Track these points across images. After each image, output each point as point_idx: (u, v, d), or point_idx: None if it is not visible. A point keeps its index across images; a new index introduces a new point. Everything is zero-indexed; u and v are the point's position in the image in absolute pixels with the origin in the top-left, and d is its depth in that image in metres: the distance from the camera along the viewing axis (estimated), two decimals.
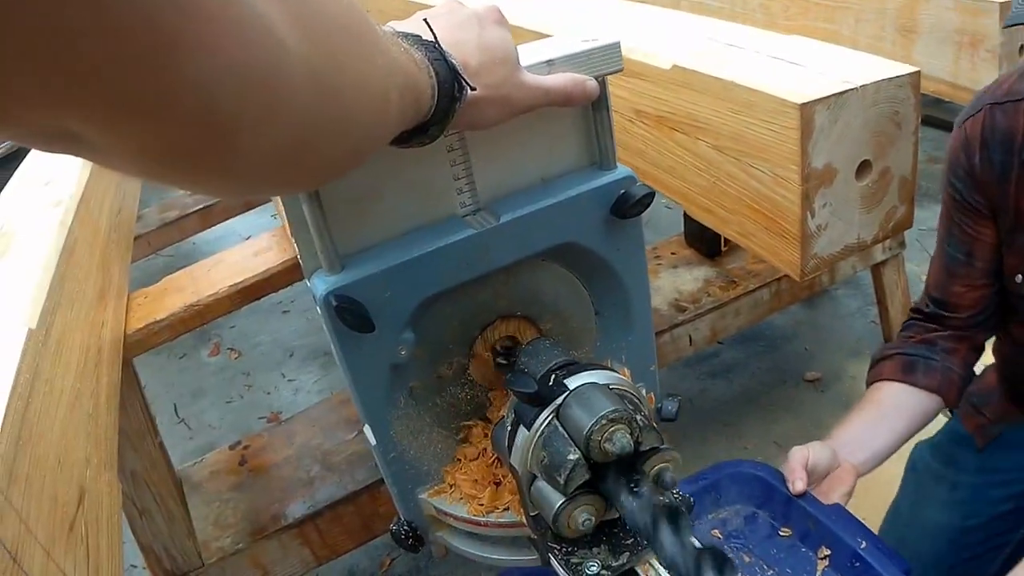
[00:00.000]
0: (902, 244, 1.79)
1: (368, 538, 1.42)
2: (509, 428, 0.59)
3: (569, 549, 0.58)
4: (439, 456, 0.69)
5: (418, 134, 0.48)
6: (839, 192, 0.94)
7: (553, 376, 0.59)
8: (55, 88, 0.22)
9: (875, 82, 0.90)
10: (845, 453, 0.92)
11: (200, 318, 1.20)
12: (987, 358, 1.05)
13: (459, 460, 0.69)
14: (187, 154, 0.27)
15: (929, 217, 2.37)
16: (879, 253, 1.76)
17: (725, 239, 1.76)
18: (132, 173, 0.30)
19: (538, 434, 0.56)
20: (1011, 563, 0.76)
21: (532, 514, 0.60)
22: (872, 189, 0.97)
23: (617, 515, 0.58)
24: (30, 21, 0.20)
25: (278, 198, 0.79)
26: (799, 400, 1.99)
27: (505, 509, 0.65)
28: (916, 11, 1.40)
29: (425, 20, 0.50)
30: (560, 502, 0.55)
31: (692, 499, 0.61)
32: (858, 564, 0.81)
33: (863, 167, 0.95)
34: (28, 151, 1.52)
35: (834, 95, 0.88)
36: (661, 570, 0.56)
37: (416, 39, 0.47)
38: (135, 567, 1.54)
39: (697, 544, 0.52)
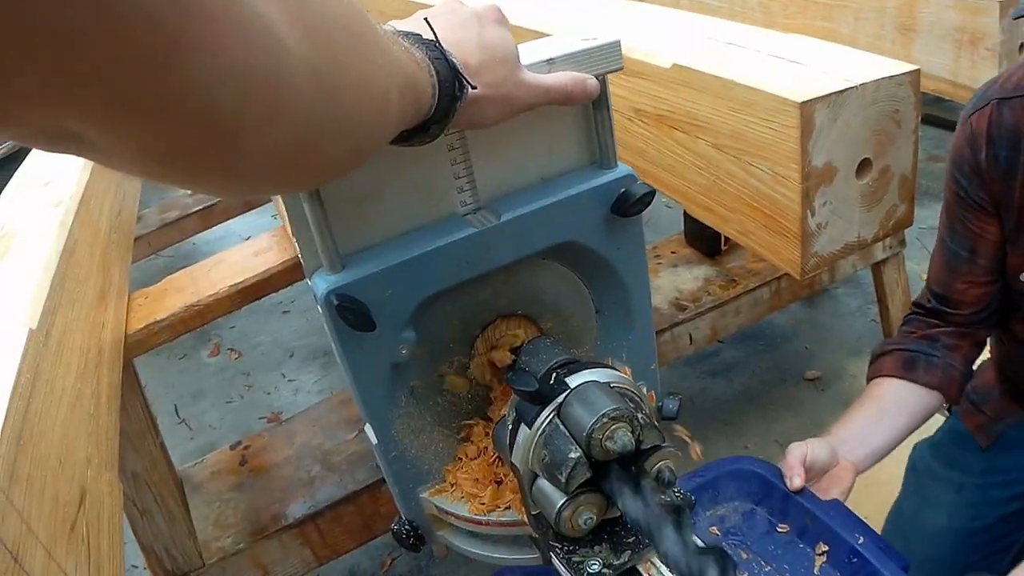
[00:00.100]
0: (902, 243, 1.79)
1: (369, 538, 1.42)
2: (510, 427, 0.59)
3: (570, 548, 0.58)
4: (440, 455, 0.69)
5: (419, 133, 0.48)
6: (839, 190, 0.94)
7: (554, 375, 0.59)
8: (56, 88, 0.22)
9: (875, 80, 0.90)
10: (844, 450, 0.92)
11: (200, 318, 1.20)
12: (983, 354, 1.05)
13: (460, 459, 0.69)
14: (189, 154, 0.27)
15: (929, 215, 2.37)
16: (879, 252, 1.76)
17: (725, 238, 1.76)
18: (134, 173, 0.30)
19: (539, 432, 0.56)
20: (1019, 562, 0.76)
21: (533, 513, 0.60)
22: (872, 187, 0.97)
23: (618, 514, 0.58)
24: (31, 21, 0.20)
25: (279, 198, 0.80)
26: (799, 399, 1.99)
27: (506, 508, 0.65)
28: (915, 9, 1.40)
29: (425, 19, 0.50)
30: (561, 501, 0.55)
31: (693, 498, 0.61)
32: (856, 560, 0.81)
33: (863, 165, 0.95)
34: (28, 152, 1.52)
35: (834, 93, 0.88)
36: (663, 569, 0.56)
37: (416, 38, 0.47)
38: (136, 567, 1.54)
39: (700, 544, 0.52)
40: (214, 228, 2.39)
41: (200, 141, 0.27)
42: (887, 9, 1.46)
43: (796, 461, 0.87)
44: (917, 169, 1.00)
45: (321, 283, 0.57)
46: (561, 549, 0.58)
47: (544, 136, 0.63)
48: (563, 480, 0.54)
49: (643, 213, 0.65)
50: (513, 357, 0.66)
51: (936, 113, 2.85)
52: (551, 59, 0.57)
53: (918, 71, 0.93)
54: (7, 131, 0.24)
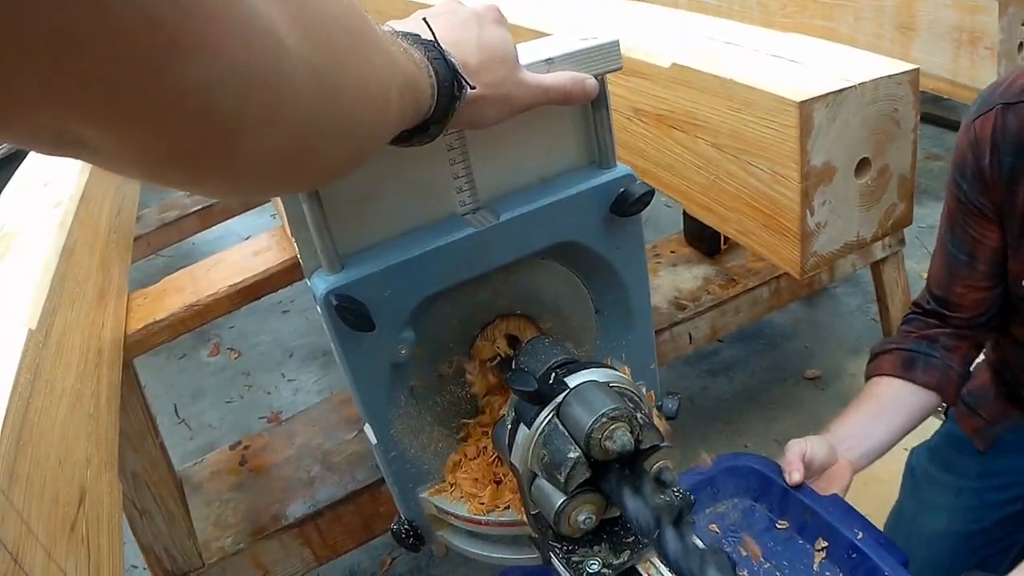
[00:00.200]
0: (902, 242, 1.79)
1: (369, 538, 1.42)
2: (509, 426, 0.59)
3: (570, 548, 0.58)
4: (440, 455, 0.69)
5: (418, 133, 0.48)
6: (838, 190, 0.94)
7: (553, 374, 0.59)
8: (56, 89, 0.22)
9: (874, 80, 0.90)
10: (843, 448, 0.92)
11: (200, 318, 1.20)
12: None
13: (460, 459, 0.69)
14: (189, 156, 0.27)
15: (928, 214, 2.37)
16: (879, 251, 1.76)
17: (725, 237, 1.77)
18: (134, 175, 0.30)
19: (538, 432, 0.56)
20: (1018, 564, 0.76)
21: (533, 513, 0.60)
22: (871, 187, 0.97)
23: (618, 513, 0.58)
24: (31, 22, 0.20)
25: (278, 198, 0.80)
26: (799, 398, 1.99)
27: (506, 508, 0.65)
28: (914, 8, 1.40)
29: (424, 19, 0.50)
30: (561, 501, 0.55)
31: (693, 497, 0.61)
32: (855, 555, 0.81)
33: (862, 165, 0.95)
34: (28, 152, 1.52)
35: (833, 93, 0.88)
36: (662, 568, 0.56)
37: (415, 38, 0.47)
38: (136, 567, 1.54)
39: (700, 544, 0.52)
40: (213, 228, 2.39)
41: (200, 142, 0.27)
42: (886, 8, 1.46)
43: (795, 457, 0.88)
44: (916, 168, 1.00)
45: (320, 283, 0.57)
46: (560, 549, 0.58)
47: (543, 136, 0.63)
48: (562, 480, 0.54)
49: (642, 212, 0.65)
50: (507, 351, 0.66)
51: (935, 112, 2.84)
52: (550, 59, 0.57)
53: (917, 70, 0.93)
54: (8, 133, 0.24)
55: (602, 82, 0.61)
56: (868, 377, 1.02)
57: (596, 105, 0.62)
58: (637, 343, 0.72)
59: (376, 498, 1.38)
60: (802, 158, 0.89)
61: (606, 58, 0.60)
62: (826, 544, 0.84)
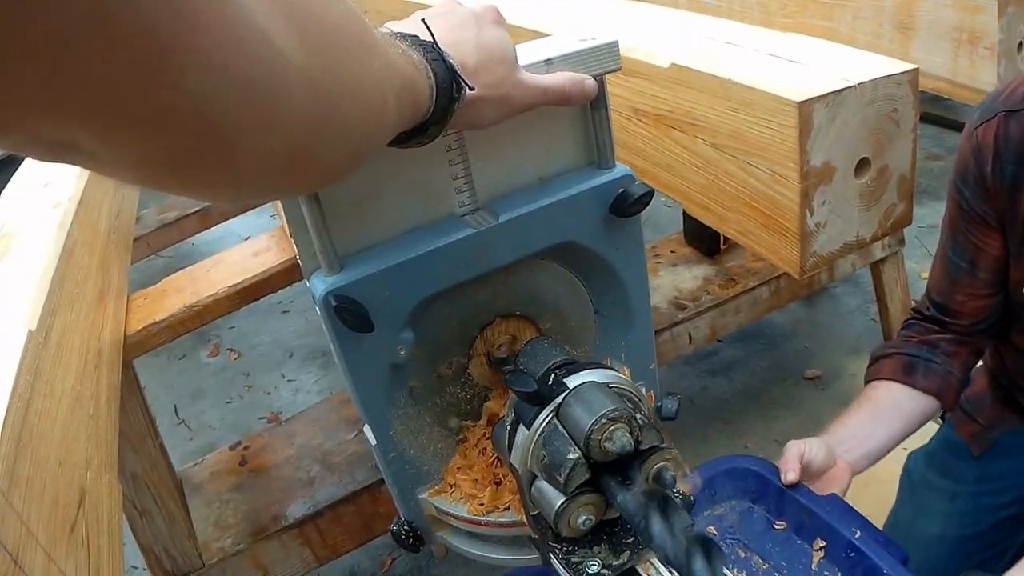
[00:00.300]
0: (901, 241, 1.79)
1: (369, 538, 1.42)
2: (509, 427, 0.59)
3: (569, 548, 0.58)
4: (439, 455, 0.69)
5: (417, 134, 0.48)
6: (838, 190, 0.94)
7: (553, 375, 0.59)
8: (56, 89, 0.22)
9: (873, 80, 0.90)
10: (841, 450, 0.92)
11: (199, 319, 1.20)
12: None
13: (459, 460, 0.69)
14: (186, 164, 0.28)
15: (928, 214, 2.37)
16: (878, 251, 1.76)
17: (724, 237, 1.76)
18: (131, 181, 0.30)
19: (538, 433, 0.56)
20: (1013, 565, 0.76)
21: (532, 513, 0.60)
22: (871, 187, 0.97)
23: (617, 514, 0.58)
24: (31, 22, 0.20)
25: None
26: (799, 398, 1.99)
27: (505, 509, 0.65)
28: (914, 8, 1.40)
29: (423, 20, 0.49)
30: (560, 501, 0.55)
31: (693, 498, 0.61)
32: (853, 554, 0.81)
33: (862, 165, 0.95)
34: None
35: (832, 93, 0.88)
36: (661, 569, 0.56)
37: (414, 39, 0.47)
38: (136, 568, 1.54)
39: (689, 522, 0.52)
40: (213, 228, 2.39)
41: (197, 150, 0.27)
42: (885, 8, 1.46)
43: (793, 457, 0.88)
44: (916, 168, 1.00)
45: (319, 284, 0.57)
46: (560, 550, 0.58)
47: (542, 136, 0.63)
48: (562, 481, 0.54)
49: (642, 212, 0.65)
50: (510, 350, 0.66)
51: (935, 112, 2.84)
52: (549, 59, 0.57)
53: (916, 70, 0.93)
54: (7, 140, 0.24)
55: (601, 83, 0.61)
56: (868, 381, 1.02)
57: (595, 106, 0.62)
58: (637, 343, 0.72)
59: (376, 498, 1.38)
60: (801, 158, 0.89)
61: (605, 59, 0.60)
62: (824, 544, 0.84)
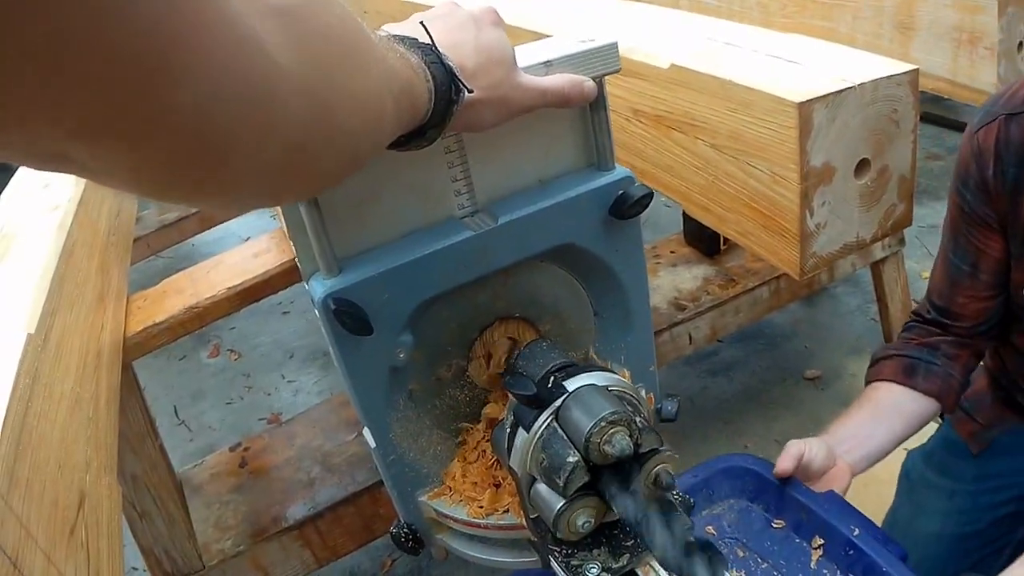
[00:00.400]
0: (901, 242, 1.79)
1: (369, 539, 1.42)
2: (508, 430, 0.59)
3: (569, 551, 0.58)
4: (438, 458, 0.69)
5: (416, 137, 0.48)
6: (838, 190, 0.94)
7: (552, 378, 0.59)
8: (56, 90, 0.22)
9: (873, 80, 0.90)
10: (841, 450, 0.92)
11: (199, 320, 1.20)
12: None
13: (458, 462, 0.69)
14: (181, 173, 0.28)
15: (928, 214, 2.37)
16: (878, 251, 1.76)
17: (724, 237, 1.76)
18: (126, 190, 0.30)
19: (537, 436, 0.56)
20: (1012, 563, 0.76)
21: (532, 516, 0.60)
22: (871, 187, 0.97)
23: (617, 517, 0.58)
24: (31, 22, 0.20)
25: None
26: (799, 398, 1.99)
27: (505, 511, 0.65)
28: (914, 8, 1.40)
29: (422, 23, 0.49)
30: (560, 504, 0.55)
31: (692, 500, 0.61)
32: (852, 552, 0.81)
33: (862, 165, 0.94)
34: None
35: (832, 93, 0.88)
36: (661, 571, 0.56)
37: (413, 42, 0.47)
38: (136, 569, 1.54)
39: (689, 537, 0.52)
40: (213, 229, 2.40)
41: (192, 160, 0.27)
42: (885, 8, 1.46)
43: (791, 455, 0.88)
44: (916, 168, 1.00)
45: (318, 287, 0.57)
46: (560, 552, 0.58)
47: (541, 138, 0.63)
48: (561, 484, 0.54)
49: (642, 214, 0.64)
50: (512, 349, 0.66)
51: (935, 112, 2.84)
52: (548, 61, 0.57)
53: (916, 71, 0.93)
54: (6, 150, 0.24)
55: (600, 84, 0.60)
56: (868, 382, 1.02)
57: (594, 107, 0.62)
58: (636, 345, 0.72)
59: (376, 499, 1.38)
60: (801, 159, 0.89)
61: (604, 60, 0.60)
62: (823, 542, 0.84)
